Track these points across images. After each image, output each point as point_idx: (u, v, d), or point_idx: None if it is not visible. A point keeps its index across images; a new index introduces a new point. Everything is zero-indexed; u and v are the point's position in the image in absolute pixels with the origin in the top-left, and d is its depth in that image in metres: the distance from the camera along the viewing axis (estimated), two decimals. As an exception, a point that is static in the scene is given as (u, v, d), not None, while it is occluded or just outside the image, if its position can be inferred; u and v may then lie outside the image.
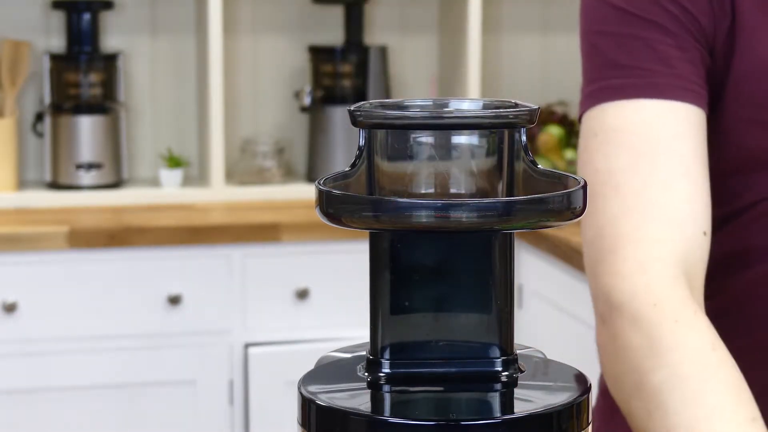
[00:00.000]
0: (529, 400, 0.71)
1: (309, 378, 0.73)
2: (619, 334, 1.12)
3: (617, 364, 1.12)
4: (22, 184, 3.17)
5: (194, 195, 3.14)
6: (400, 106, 0.73)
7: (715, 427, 1.04)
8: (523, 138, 0.72)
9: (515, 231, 0.71)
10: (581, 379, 0.73)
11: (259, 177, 3.21)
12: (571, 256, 2.62)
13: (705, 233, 1.16)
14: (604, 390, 1.42)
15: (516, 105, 0.73)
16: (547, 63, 3.49)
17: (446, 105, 0.75)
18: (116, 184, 3.16)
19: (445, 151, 0.71)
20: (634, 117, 1.19)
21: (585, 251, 1.19)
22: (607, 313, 1.14)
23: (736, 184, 1.26)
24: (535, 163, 0.72)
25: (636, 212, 1.15)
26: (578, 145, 1.23)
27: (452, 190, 0.72)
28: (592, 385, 0.73)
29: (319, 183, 0.70)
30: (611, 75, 1.21)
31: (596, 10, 1.24)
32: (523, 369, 0.73)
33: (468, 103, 0.75)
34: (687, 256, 1.14)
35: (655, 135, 1.18)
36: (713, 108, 1.24)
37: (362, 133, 0.71)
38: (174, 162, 3.19)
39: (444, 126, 0.71)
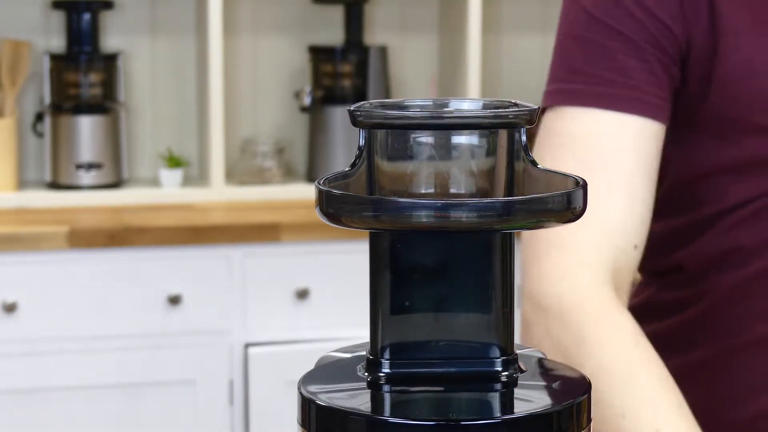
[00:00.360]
0: (529, 400, 0.71)
1: (309, 378, 0.73)
2: (545, 335, 1.16)
3: (554, 358, 1.16)
4: (22, 184, 3.17)
5: (194, 195, 3.14)
6: (400, 106, 0.73)
7: (641, 414, 1.07)
8: (523, 138, 0.72)
9: (515, 231, 0.71)
10: (581, 379, 0.73)
11: (259, 177, 3.21)
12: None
13: (635, 247, 1.19)
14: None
15: (516, 105, 0.73)
16: (547, 63, 3.48)
17: (446, 105, 0.75)
18: (116, 184, 3.16)
19: (445, 151, 0.71)
20: (584, 126, 1.21)
21: (521, 249, 1.23)
22: (533, 315, 1.18)
23: (724, 184, 1.26)
24: (535, 163, 0.73)
25: None
26: (536, 140, 1.26)
27: (452, 190, 0.72)
28: (591, 386, 0.73)
29: (319, 183, 0.70)
30: (571, 79, 1.23)
31: (569, 12, 1.27)
32: (523, 369, 0.73)
33: (468, 103, 0.75)
34: (615, 267, 1.17)
35: (601, 147, 1.20)
36: (696, 109, 1.24)
37: (362, 133, 0.71)
38: (174, 162, 3.19)
39: (444, 126, 0.71)
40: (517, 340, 0.75)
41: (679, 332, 1.32)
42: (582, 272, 1.16)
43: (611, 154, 1.20)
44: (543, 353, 0.78)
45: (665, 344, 1.29)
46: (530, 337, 1.19)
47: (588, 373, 1.10)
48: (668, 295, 1.34)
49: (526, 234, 1.21)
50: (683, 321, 1.30)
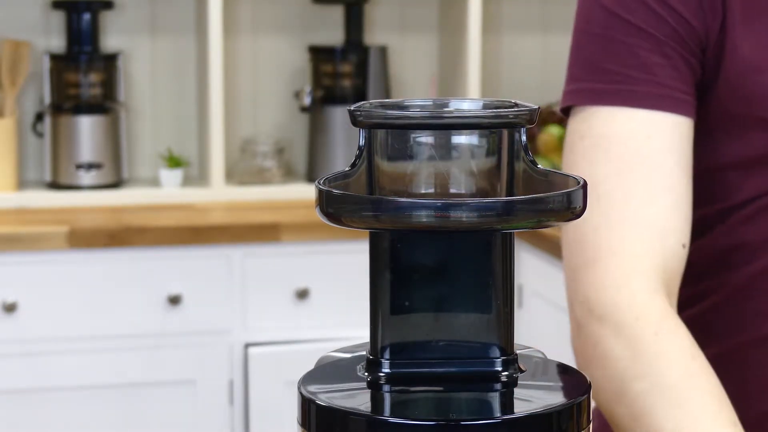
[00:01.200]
0: (529, 400, 0.71)
1: (309, 378, 0.73)
2: (600, 343, 1.15)
3: (597, 370, 1.16)
4: (22, 184, 3.17)
5: (194, 195, 3.14)
6: (400, 106, 0.73)
7: (700, 429, 1.06)
8: (523, 138, 0.72)
9: (515, 231, 0.71)
10: (581, 379, 0.73)
11: (259, 177, 3.21)
12: (571, 256, 2.62)
13: (684, 246, 1.19)
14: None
15: (516, 105, 0.73)
16: (547, 63, 3.49)
17: (446, 105, 0.75)
18: (116, 184, 3.16)
19: (445, 151, 0.71)
20: (622, 126, 1.20)
21: (565, 257, 1.22)
22: (586, 321, 1.17)
23: (734, 180, 1.26)
24: (535, 163, 0.72)
25: (618, 224, 1.17)
26: (565, 142, 1.25)
27: (452, 190, 0.72)
28: (592, 386, 0.73)
29: (319, 183, 0.70)
30: (594, 78, 1.22)
31: (587, 9, 1.25)
32: (523, 369, 0.73)
33: (468, 103, 0.75)
34: (666, 269, 1.17)
35: (641, 147, 1.19)
36: (707, 104, 1.24)
37: (362, 133, 0.71)
38: (174, 162, 3.19)
39: (444, 126, 0.71)
40: (523, 339, 0.75)
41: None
42: (637, 281, 1.15)
43: (653, 154, 1.19)
44: (542, 353, 0.78)
45: None
46: (582, 345, 1.18)
47: (642, 387, 1.09)
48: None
49: (570, 235, 1.20)
50: (690, 318, 1.29)
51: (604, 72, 1.22)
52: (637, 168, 1.18)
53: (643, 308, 1.14)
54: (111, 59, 3.20)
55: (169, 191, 3.15)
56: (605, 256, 1.17)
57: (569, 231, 1.20)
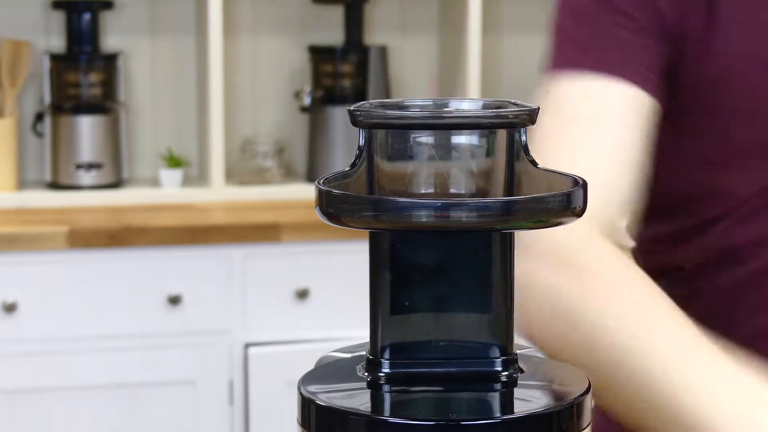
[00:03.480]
0: (528, 400, 0.71)
1: (309, 378, 0.73)
2: (542, 280, 1.12)
3: (544, 309, 1.12)
4: (22, 184, 3.17)
5: (194, 195, 3.14)
6: (400, 106, 0.73)
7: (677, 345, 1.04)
8: (523, 138, 0.72)
9: (515, 231, 0.71)
10: (581, 379, 0.73)
11: (259, 177, 3.21)
12: (571, 256, 2.62)
13: (629, 204, 1.17)
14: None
15: (516, 105, 0.73)
16: (547, 63, 3.49)
17: (446, 105, 0.75)
18: (116, 184, 3.16)
19: (445, 151, 0.71)
20: (583, 88, 1.22)
21: None
22: (526, 265, 1.12)
23: (728, 179, 1.26)
24: (535, 163, 0.73)
25: (570, 167, 1.17)
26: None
27: (452, 190, 0.72)
28: (591, 385, 0.73)
29: (319, 183, 0.70)
30: (569, 51, 1.25)
31: None
32: (522, 369, 0.73)
33: (468, 103, 0.75)
34: (606, 219, 1.15)
35: (596, 109, 1.21)
36: (695, 102, 1.24)
37: (362, 133, 0.71)
38: (174, 162, 3.19)
39: (444, 126, 0.71)
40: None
41: None
42: (579, 225, 1.15)
43: (604, 116, 1.20)
44: (543, 353, 0.78)
45: None
46: (523, 297, 1.12)
47: (587, 306, 1.06)
48: (668, 293, 1.33)
49: None
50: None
51: (580, 47, 1.24)
52: (588, 125, 1.20)
53: (584, 240, 1.12)
54: (111, 59, 3.20)
55: (169, 191, 3.15)
56: None
57: None
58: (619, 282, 1.09)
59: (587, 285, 1.08)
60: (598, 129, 1.19)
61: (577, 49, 1.24)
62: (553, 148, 1.19)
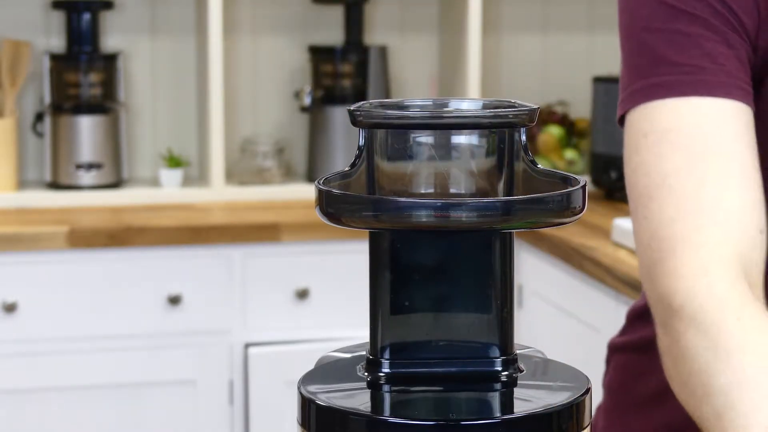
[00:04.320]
0: (528, 400, 0.71)
1: (309, 378, 0.73)
2: (681, 338, 1.09)
3: (683, 368, 1.09)
4: (22, 184, 3.17)
5: (194, 195, 3.15)
6: (400, 106, 0.73)
7: None
8: (523, 138, 0.72)
9: (515, 231, 0.71)
10: (581, 379, 0.73)
11: (259, 177, 3.21)
12: (571, 256, 2.62)
13: (762, 231, 1.14)
14: (611, 389, 1.42)
15: (515, 105, 0.73)
16: (547, 63, 3.49)
17: (446, 105, 0.75)
18: (116, 184, 3.16)
19: (445, 151, 0.71)
20: (687, 117, 1.16)
21: (640, 256, 1.17)
22: (668, 317, 1.11)
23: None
24: (535, 163, 0.73)
25: (692, 214, 1.13)
26: (625, 146, 1.20)
27: (452, 190, 0.72)
28: (591, 385, 0.73)
29: (319, 183, 0.70)
30: (661, 72, 1.18)
31: (642, 6, 1.21)
32: (522, 369, 0.73)
33: (468, 103, 0.75)
34: (745, 256, 1.12)
35: (709, 135, 1.15)
36: (758, 103, 1.22)
37: (362, 133, 0.71)
38: (174, 162, 3.19)
39: (444, 126, 0.71)
40: (523, 339, 0.75)
41: None
42: (716, 269, 1.10)
43: (720, 141, 1.15)
44: (542, 353, 0.78)
45: None
46: (667, 343, 1.11)
47: (725, 380, 1.03)
48: None
49: (645, 237, 1.15)
50: None
51: (671, 65, 1.18)
52: (709, 156, 1.14)
53: (723, 296, 1.08)
54: (111, 59, 3.20)
55: (169, 191, 3.15)
56: (681, 247, 1.12)
57: (641, 231, 1.16)
58: (757, 363, 1.04)
59: (727, 362, 1.05)
60: (721, 159, 1.14)
61: (677, 73, 1.18)
62: (679, 190, 1.14)
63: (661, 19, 1.19)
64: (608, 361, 1.44)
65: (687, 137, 1.16)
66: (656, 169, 1.15)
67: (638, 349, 1.38)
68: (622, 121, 1.22)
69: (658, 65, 1.19)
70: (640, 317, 1.38)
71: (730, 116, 1.16)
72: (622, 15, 1.24)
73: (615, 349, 1.42)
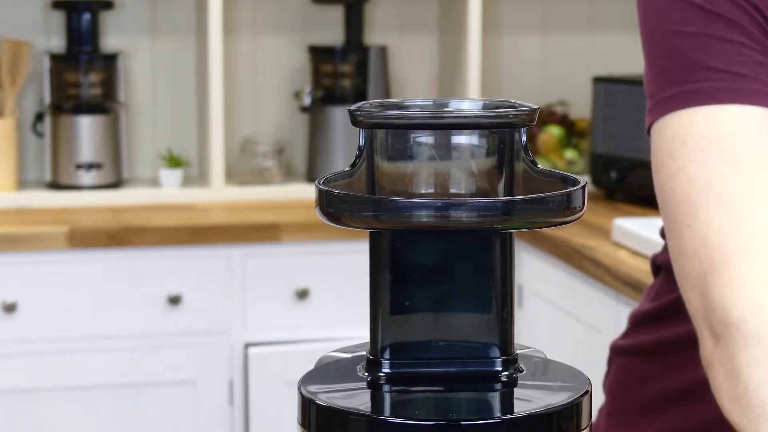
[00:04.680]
0: (528, 400, 0.71)
1: (309, 378, 0.73)
2: (738, 353, 1.05)
3: (738, 383, 1.05)
4: (22, 184, 3.17)
5: (194, 195, 3.15)
6: (400, 106, 0.73)
7: None
8: (523, 138, 0.72)
9: (515, 231, 0.71)
10: (581, 379, 0.73)
11: (259, 177, 3.21)
12: (571, 256, 2.62)
13: None
14: (612, 392, 1.41)
15: (515, 105, 0.73)
16: (547, 63, 3.49)
17: (446, 105, 0.75)
18: (116, 184, 3.16)
19: (445, 151, 0.71)
20: (727, 124, 1.13)
21: (684, 266, 1.13)
22: (723, 329, 1.07)
23: None
24: (535, 163, 0.73)
25: (745, 222, 1.10)
26: (657, 154, 1.16)
27: (452, 190, 0.72)
28: (592, 386, 0.73)
29: (319, 183, 0.70)
30: (697, 78, 1.15)
31: (673, 9, 1.17)
32: (522, 369, 0.73)
33: (468, 103, 0.75)
34: None
35: (751, 143, 1.12)
36: None
37: (362, 133, 0.71)
38: (174, 162, 3.19)
39: (444, 126, 0.71)
40: (523, 339, 0.75)
41: None
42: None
43: (761, 149, 1.12)
44: (542, 353, 0.78)
45: (689, 348, 1.26)
46: (720, 358, 1.07)
47: None
48: None
49: (690, 245, 1.11)
50: None
51: (709, 70, 1.14)
52: (754, 164, 1.11)
53: None
54: (111, 59, 3.20)
55: (169, 191, 3.15)
56: (736, 256, 1.08)
57: (686, 238, 1.12)
58: None
59: None
60: (764, 165, 1.11)
61: (714, 79, 1.14)
62: (727, 198, 1.11)
63: (696, 24, 1.16)
64: (610, 363, 1.44)
65: (729, 144, 1.12)
66: (700, 176, 1.12)
67: (641, 354, 1.37)
68: (650, 129, 1.18)
69: (693, 71, 1.15)
70: (644, 321, 1.37)
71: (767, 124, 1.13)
72: (647, 18, 1.20)
73: (617, 352, 1.42)
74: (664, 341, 1.34)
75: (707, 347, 1.10)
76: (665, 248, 1.34)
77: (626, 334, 1.41)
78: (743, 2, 1.15)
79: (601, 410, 1.43)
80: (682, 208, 1.13)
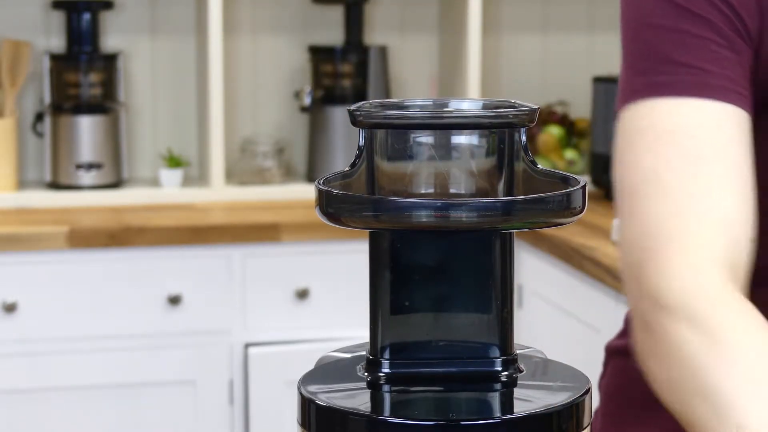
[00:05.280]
0: (528, 400, 0.71)
1: (309, 378, 0.73)
2: (672, 336, 1.07)
3: (672, 368, 1.07)
4: (22, 184, 3.17)
5: (194, 195, 3.15)
6: (400, 106, 0.73)
7: None
8: (523, 138, 0.72)
9: (515, 231, 0.71)
10: (581, 379, 0.73)
11: (259, 177, 3.21)
12: (571, 256, 2.62)
13: (751, 239, 1.13)
14: (608, 393, 1.41)
15: (515, 105, 0.73)
16: (547, 63, 3.49)
17: (446, 105, 0.75)
18: (116, 184, 3.16)
19: (445, 151, 0.71)
20: (687, 117, 1.15)
21: (624, 252, 1.15)
22: (654, 315, 1.09)
23: None
24: (535, 163, 0.73)
25: (685, 213, 1.11)
26: (618, 140, 1.19)
27: (452, 190, 0.72)
28: (591, 385, 0.73)
29: (319, 183, 0.70)
30: (664, 70, 1.17)
31: (649, 3, 1.20)
32: (522, 369, 0.73)
33: (468, 103, 0.75)
34: (735, 261, 1.10)
35: (707, 137, 1.14)
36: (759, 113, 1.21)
37: (362, 133, 0.71)
38: (174, 162, 3.19)
39: (444, 126, 0.71)
40: (523, 339, 0.75)
41: None
42: (709, 269, 1.08)
43: (722, 145, 1.14)
44: (542, 353, 0.78)
45: None
46: (651, 342, 1.09)
47: (731, 382, 1.00)
48: None
49: (630, 233, 1.13)
50: None
51: (675, 64, 1.17)
52: (705, 158, 1.13)
53: (718, 296, 1.07)
54: (111, 59, 3.20)
55: (169, 191, 3.15)
56: (673, 245, 1.10)
57: (628, 227, 1.14)
58: (755, 357, 1.03)
59: (722, 355, 1.03)
60: (719, 162, 1.13)
61: (682, 73, 1.16)
62: (673, 189, 1.12)
63: (669, 18, 1.18)
64: (605, 364, 1.43)
65: (684, 137, 1.14)
66: (650, 166, 1.14)
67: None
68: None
69: (662, 64, 1.17)
70: None
71: (730, 121, 1.15)
72: (626, 10, 1.22)
73: (612, 353, 1.42)
74: None
75: (638, 338, 1.12)
76: None
77: (621, 334, 1.41)
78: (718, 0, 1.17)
79: (596, 412, 1.42)
80: (629, 196, 1.15)
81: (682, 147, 1.14)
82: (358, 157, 0.71)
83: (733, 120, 1.15)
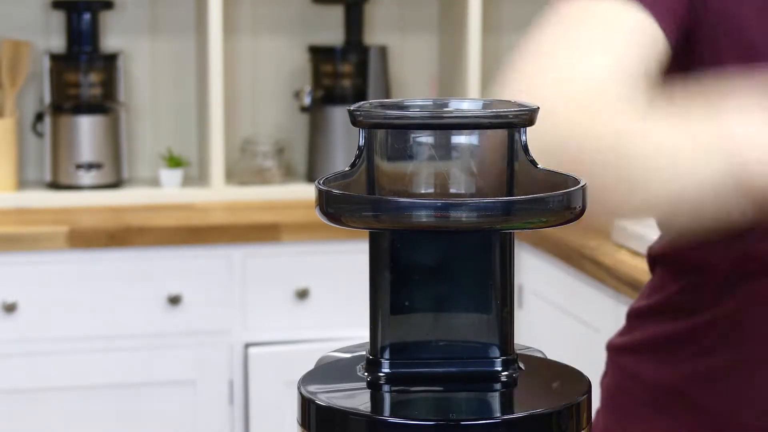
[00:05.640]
0: (528, 400, 0.71)
1: (309, 378, 0.73)
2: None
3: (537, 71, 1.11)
4: (22, 184, 3.17)
5: (194, 195, 3.14)
6: (400, 106, 0.73)
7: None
8: (523, 138, 0.72)
9: (515, 231, 0.71)
10: (581, 379, 0.73)
11: (259, 177, 3.21)
12: (571, 256, 2.62)
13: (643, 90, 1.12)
14: (609, 391, 1.41)
15: (516, 105, 0.73)
16: (547, 63, 3.49)
17: (446, 105, 0.75)
18: (116, 184, 3.16)
19: (445, 151, 0.71)
20: (593, 8, 1.15)
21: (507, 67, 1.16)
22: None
23: None
24: (535, 163, 0.73)
25: (572, 38, 1.14)
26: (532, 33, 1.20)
27: (452, 190, 0.72)
28: (592, 385, 0.73)
29: (319, 183, 0.70)
30: None
31: None
32: (522, 369, 0.73)
33: (468, 103, 0.75)
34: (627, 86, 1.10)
35: (605, 24, 1.14)
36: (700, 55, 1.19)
37: (362, 133, 0.71)
38: (174, 162, 3.19)
39: (444, 126, 0.71)
40: (523, 339, 0.75)
41: (703, 333, 1.26)
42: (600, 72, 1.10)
43: (606, 30, 1.14)
44: (542, 353, 0.78)
45: (687, 344, 1.26)
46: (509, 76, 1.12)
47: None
48: (692, 295, 1.28)
49: (521, 51, 1.15)
50: (709, 322, 1.25)
51: None
52: (595, 35, 1.14)
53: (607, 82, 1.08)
54: (111, 59, 3.20)
55: (169, 191, 3.15)
56: (542, 57, 1.14)
57: (522, 52, 1.15)
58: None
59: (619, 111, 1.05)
60: (606, 41, 1.13)
61: None
62: (547, 50, 1.14)
63: None
64: (607, 362, 1.44)
65: (580, 22, 1.15)
66: (536, 37, 1.17)
67: (638, 351, 1.37)
68: None
69: None
70: (640, 317, 1.37)
71: (638, 26, 1.14)
72: None
73: (613, 350, 1.42)
74: (659, 337, 1.34)
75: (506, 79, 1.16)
76: (660, 238, 1.34)
77: (622, 332, 1.41)
78: None
79: (598, 410, 1.43)
80: (530, 39, 1.18)
81: (591, 12, 1.14)
82: (358, 157, 0.71)
83: (640, 28, 1.14)
